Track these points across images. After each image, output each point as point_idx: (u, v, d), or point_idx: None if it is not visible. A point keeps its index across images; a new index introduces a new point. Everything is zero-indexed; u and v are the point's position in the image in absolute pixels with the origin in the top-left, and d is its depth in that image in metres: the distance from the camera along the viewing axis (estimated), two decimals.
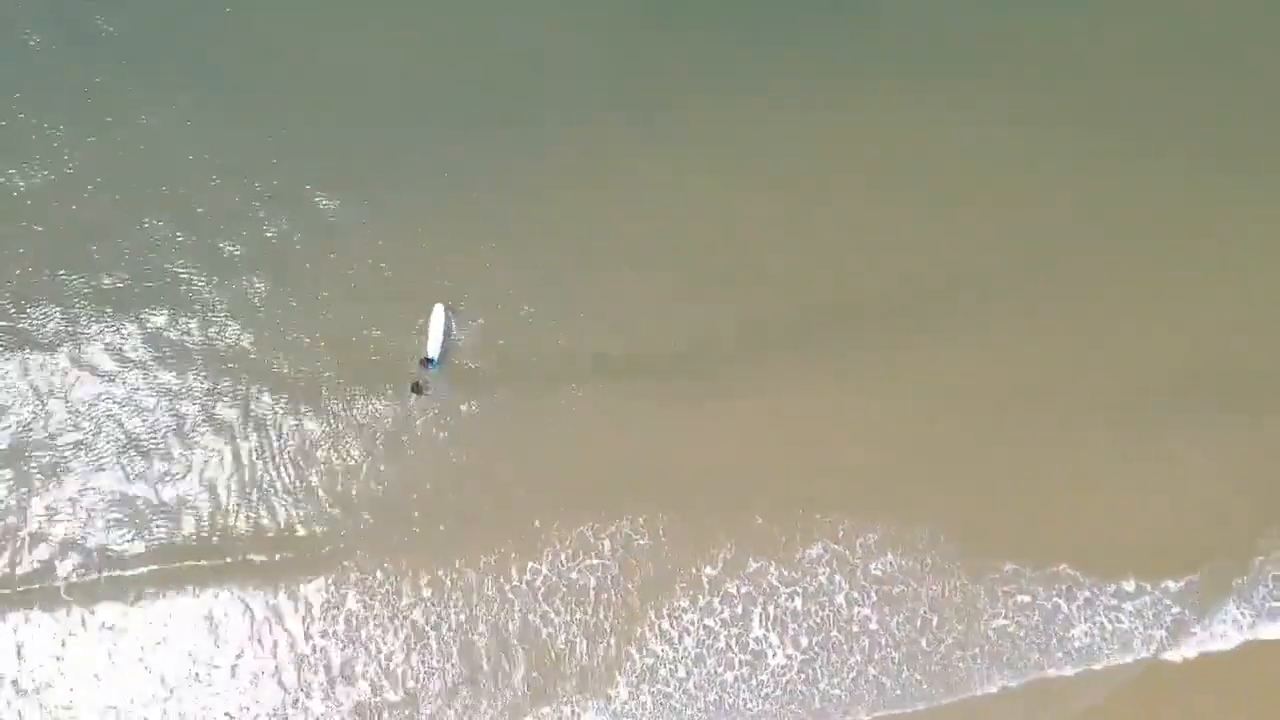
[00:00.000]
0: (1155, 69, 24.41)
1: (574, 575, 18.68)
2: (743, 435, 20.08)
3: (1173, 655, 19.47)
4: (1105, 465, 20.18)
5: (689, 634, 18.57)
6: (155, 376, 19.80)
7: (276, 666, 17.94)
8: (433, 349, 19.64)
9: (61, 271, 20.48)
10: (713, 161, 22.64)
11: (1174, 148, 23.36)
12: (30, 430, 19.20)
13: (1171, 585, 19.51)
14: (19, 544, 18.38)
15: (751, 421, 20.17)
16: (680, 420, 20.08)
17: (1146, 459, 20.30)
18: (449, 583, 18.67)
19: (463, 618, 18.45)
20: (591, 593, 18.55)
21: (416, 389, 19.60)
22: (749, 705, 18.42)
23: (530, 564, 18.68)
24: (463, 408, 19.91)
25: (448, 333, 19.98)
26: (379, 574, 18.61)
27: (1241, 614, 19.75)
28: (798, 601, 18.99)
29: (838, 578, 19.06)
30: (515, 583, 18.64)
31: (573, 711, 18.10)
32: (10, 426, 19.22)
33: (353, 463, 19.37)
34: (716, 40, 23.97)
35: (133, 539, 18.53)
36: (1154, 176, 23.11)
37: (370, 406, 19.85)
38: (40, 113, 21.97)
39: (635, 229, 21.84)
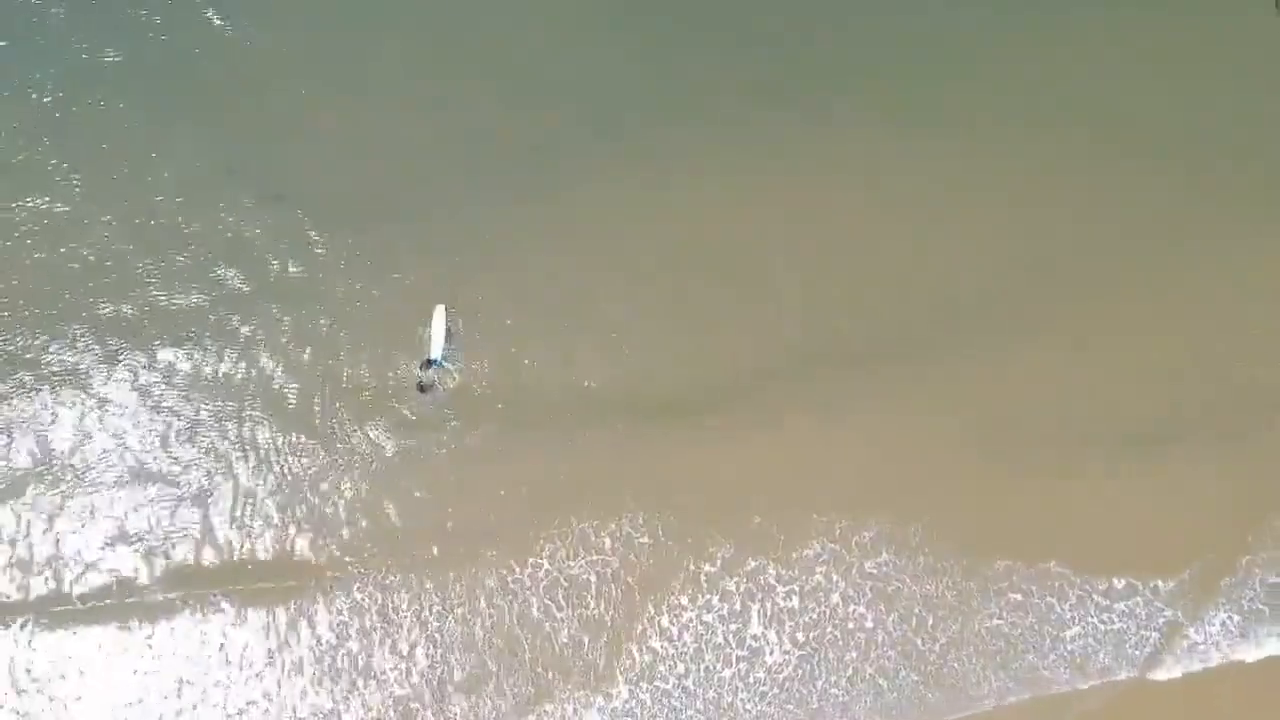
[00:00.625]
0: (1157, 86, 25.02)
1: (574, 572, 18.91)
2: (744, 442, 20.42)
3: (1166, 659, 19.73)
4: (1099, 465, 20.64)
5: (688, 631, 18.77)
6: (165, 403, 19.92)
7: (278, 672, 18.12)
8: (435, 350, 20.03)
9: (72, 301, 20.56)
10: (717, 174, 23.04)
11: (1178, 163, 23.94)
12: (39, 460, 19.30)
13: (1161, 585, 19.84)
14: (26, 569, 18.46)
15: (753, 430, 20.50)
16: (681, 432, 20.40)
17: (1142, 457, 20.76)
18: (449, 583, 18.87)
19: (464, 617, 18.64)
20: (592, 589, 18.78)
21: (422, 388, 19.98)
22: (747, 705, 18.59)
23: (531, 560, 18.91)
24: (462, 415, 20.18)
25: (449, 334, 20.34)
26: (382, 579, 18.81)
27: (1230, 617, 20.05)
28: (795, 600, 19.24)
29: (834, 576, 19.33)
30: (517, 578, 18.85)
31: (574, 709, 18.24)
32: (24, 456, 19.29)
33: (355, 474, 19.57)
34: (725, 55, 24.48)
35: (143, 566, 18.64)
36: (1157, 191, 23.67)
37: (372, 416, 20.07)
38: (39, 143, 22.10)
39: (638, 241, 22.22)
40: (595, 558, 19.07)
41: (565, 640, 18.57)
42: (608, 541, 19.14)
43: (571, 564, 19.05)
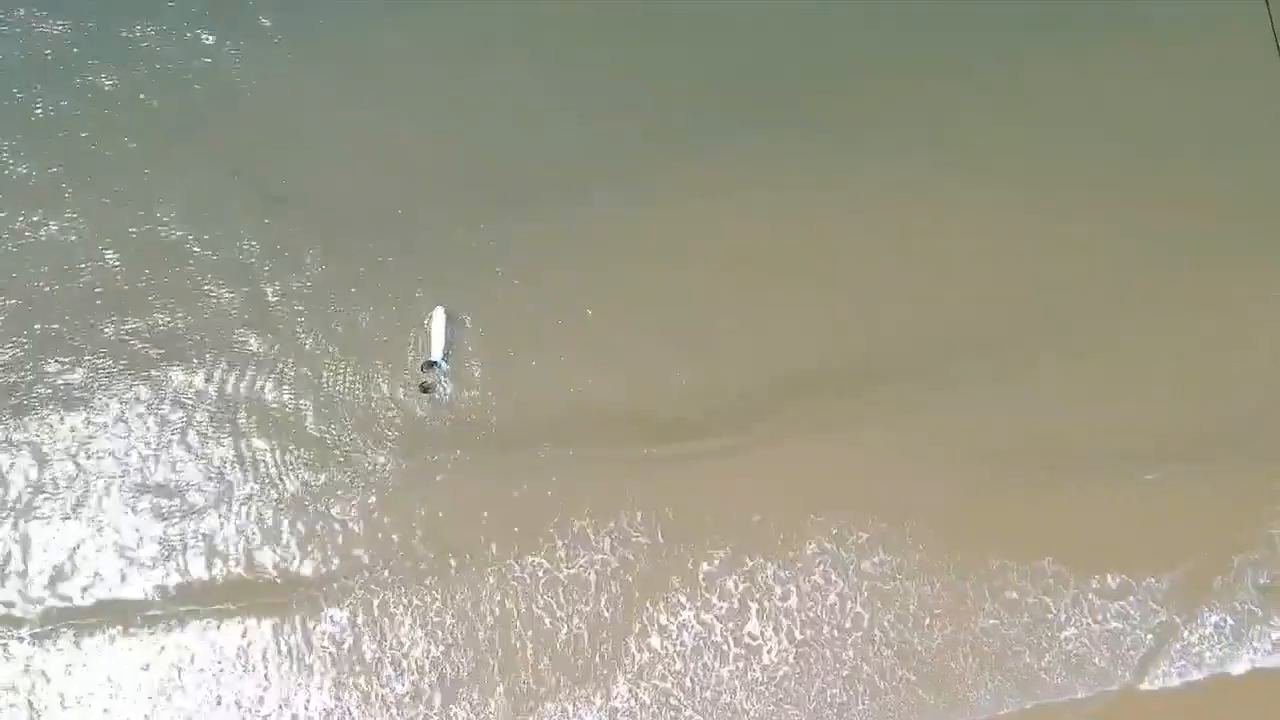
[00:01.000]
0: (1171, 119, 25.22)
1: (573, 571, 19.07)
2: (747, 461, 20.66)
3: (1161, 661, 19.87)
4: (1094, 468, 20.95)
5: (686, 630, 18.92)
6: (163, 418, 20.16)
7: (275, 677, 18.28)
8: (436, 351, 20.29)
9: (93, 323, 20.88)
10: (724, 195, 23.23)
11: (1183, 190, 24.04)
12: (37, 479, 19.53)
13: (1153, 582, 20.01)
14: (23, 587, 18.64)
15: (756, 448, 20.73)
16: (685, 448, 20.68)
17: (1133, 458, 21.05)
18: (449, 587, 19.06)
19: (460, 617, 18.81)
20: (591, 588, 18.95)
21: (424, 389, 20.23)
22: (744, 704, 18.68)
23: (530, 559, 19.08)
24: (462, 430, 20.43)
25: (449, 335, 20.55)
26: (383, 588, 19.00)
27: (1223, 620, 20.20)
28: (793, 600, 19.36)
29: (832, 575, 19.49)
30: (516, 577, 19.02)
31: (573, 708, 18.35)
32: (25, 476, 19.52)
33: (354, 487, 19.77)
34: (735, 74, 24.76)
35: (151, 584, 18.81)
36: (1165, 217, 23.74)
37: (374, 427, 20.33)
38: (42, 151, 22.47)
39: (644, 262, 22.42)
40: (595, 556, 19.23)
41: (564, 639, 18.70)
42: (607, 541, 19.30)
43: (569, 565, 19.20)
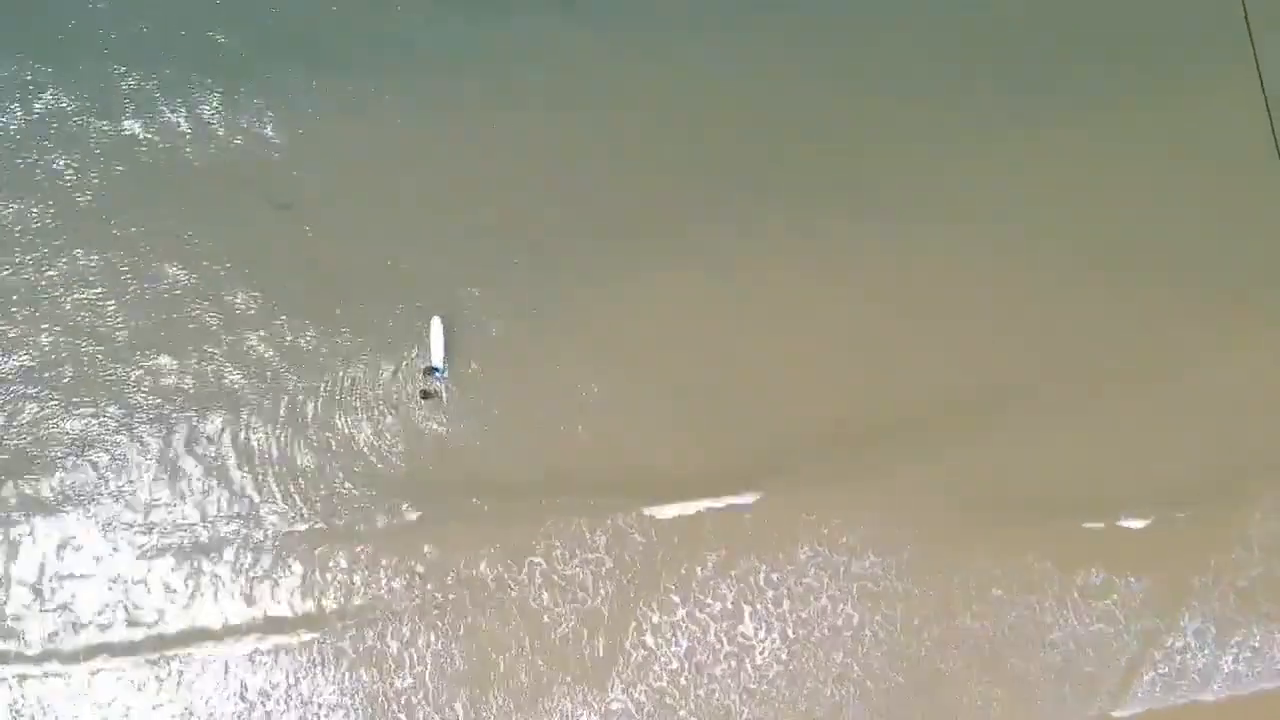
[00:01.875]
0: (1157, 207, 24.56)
1: (569, 571, 19.40)
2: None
3: (1145, 667, 20.43)
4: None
5: (681, 630, 19.31)
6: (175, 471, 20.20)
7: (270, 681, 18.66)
8: (435, 359, 20.78)
9: (115, 374, 20.71)
10: (714, 268, 22.81)
11: (1161, 270, 23.67)
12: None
13: (1134, 581, 20.53)
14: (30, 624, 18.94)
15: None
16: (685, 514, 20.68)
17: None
18: (443, 583, 19.40)
19: (458, 616, 19.16)
20: (588, 587, 19.30)
21: (425, 394, 20.62)
22: (740, 705, 19.11)
23: (528, 559, 19.41)
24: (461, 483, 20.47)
25: (447, 342, 21.00)
26: (388, 611, 19.30)
27: (1208, 628, 20.70)
28: (786, 604, 19.78)
29: (824, 577, 19.90)
30: (514, 577, 19.34)
31: (572, 708, 18.71)
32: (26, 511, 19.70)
33: (359, 530, 19.92)
34: (721, 153, 23.96)
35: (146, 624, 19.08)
36: (1140, 295, 23.40)
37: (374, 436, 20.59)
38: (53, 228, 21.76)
39: (637, 334, 22.01)
40: (590, 556, 19.60)
41: (562, 638, 19.11)
42: (603, 540, 19.65)
43: (567, 563, 19.62)
